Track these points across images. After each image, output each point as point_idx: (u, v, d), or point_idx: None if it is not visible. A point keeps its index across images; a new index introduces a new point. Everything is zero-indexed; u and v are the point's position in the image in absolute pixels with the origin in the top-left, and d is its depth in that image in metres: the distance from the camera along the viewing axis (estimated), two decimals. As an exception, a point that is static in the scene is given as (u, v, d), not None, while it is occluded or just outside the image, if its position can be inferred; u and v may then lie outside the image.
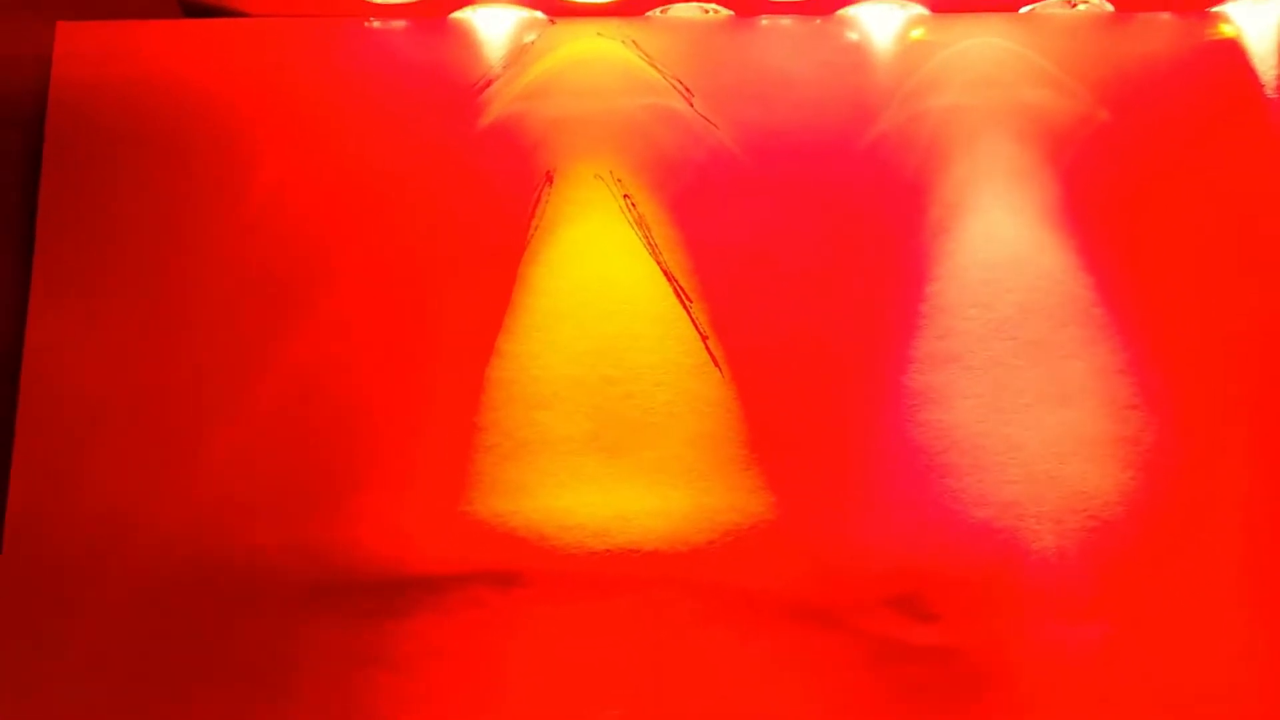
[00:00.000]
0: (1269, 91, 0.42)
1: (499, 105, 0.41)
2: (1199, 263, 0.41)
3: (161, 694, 0.36)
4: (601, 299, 0.40)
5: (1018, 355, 0.40)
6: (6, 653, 0.36)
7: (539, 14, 0.42)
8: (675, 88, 0.41)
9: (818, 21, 0.43)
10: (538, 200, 0.40)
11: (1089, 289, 0.40)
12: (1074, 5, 0.43)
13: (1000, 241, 0.41)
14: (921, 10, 0.43)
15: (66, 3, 0.40)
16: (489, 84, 0.41)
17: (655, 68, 0.42)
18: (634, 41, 0.42)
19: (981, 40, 0.43)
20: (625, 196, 0.40)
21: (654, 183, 0.41)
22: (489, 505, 0.38)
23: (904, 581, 0.37)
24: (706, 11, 0.42)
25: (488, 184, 0.41)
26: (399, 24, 0.42)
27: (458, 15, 0.42)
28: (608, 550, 0.38)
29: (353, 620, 0.37)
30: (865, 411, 0.39)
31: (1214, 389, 0.39)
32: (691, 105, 0.41)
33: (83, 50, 0.41)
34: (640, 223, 0.40)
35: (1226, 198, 0.41)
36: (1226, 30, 0.43)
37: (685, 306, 0.40)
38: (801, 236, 0.40)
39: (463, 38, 0.42)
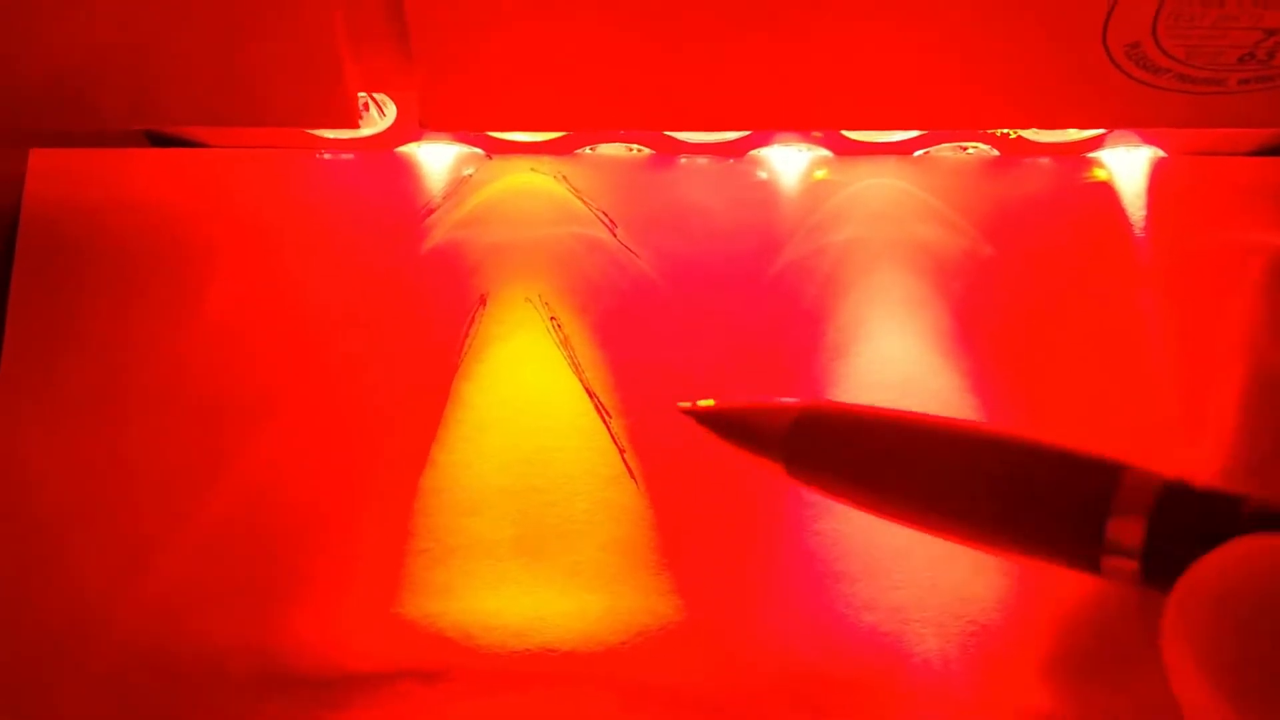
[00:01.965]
0: (1137, 230, 0.47)
1: (439, 233, 0.45)
2: (1072, 381, 0.44)
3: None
4: (527, 413, 0.43)
5: (907, 470, 0.43)
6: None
7: (478, 150, 0.46)
8: (600, 219, 0.45)
9: (731, 161, 0.47)
10: (471, 321, 0.44)
11: (974, 408, 0.44)
12: (964, 149, 0.48)
13: (892, 364, 0.44)
14: (825, 153, 0.47)
15: (44, 134, 0.44)
16: (430, 213, 0.45)
17: (582, 200, 0.45)
18: (564, 176, 0.45)
19: (879, 181, 0.47)
20: (552, 318, 0.44)
21: (579, 305, 0.44)
22: (419, 606, 0.41)
23: (800, 680, 0.40)
24: (631, 150, 0.46)
25: (427, 305, 0.44)
26: (348, 156, 0.45)
27: (402, 149, 0.46)
28: (527, 650, 0.40)
29: (293, 713, 0.39)
30: (767, 521, 0.42)
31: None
32: (615, 235, 0.45)
33: (54, 174, 0.44)
34: (565, 343, 0.43)
35: (1097, 323, 0.45)
36: (1100, 174, 0.48)
37: (605, 421, 0.43)
38: (713, 358, 0.44)
39: (407, 170, 0.45)
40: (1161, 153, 0.48)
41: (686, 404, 0.27)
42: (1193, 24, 0.34)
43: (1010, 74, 0.37)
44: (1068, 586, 0.41)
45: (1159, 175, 0.48)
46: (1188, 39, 0.35)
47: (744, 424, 0.25)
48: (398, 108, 0.42)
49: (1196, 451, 0.43)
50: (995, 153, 0.47)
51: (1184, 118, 0.39)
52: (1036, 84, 0.37)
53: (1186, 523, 0.18)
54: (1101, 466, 0.19)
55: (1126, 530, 0.18)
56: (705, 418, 0.26)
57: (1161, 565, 0.18)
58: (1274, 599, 0.15)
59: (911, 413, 0.23)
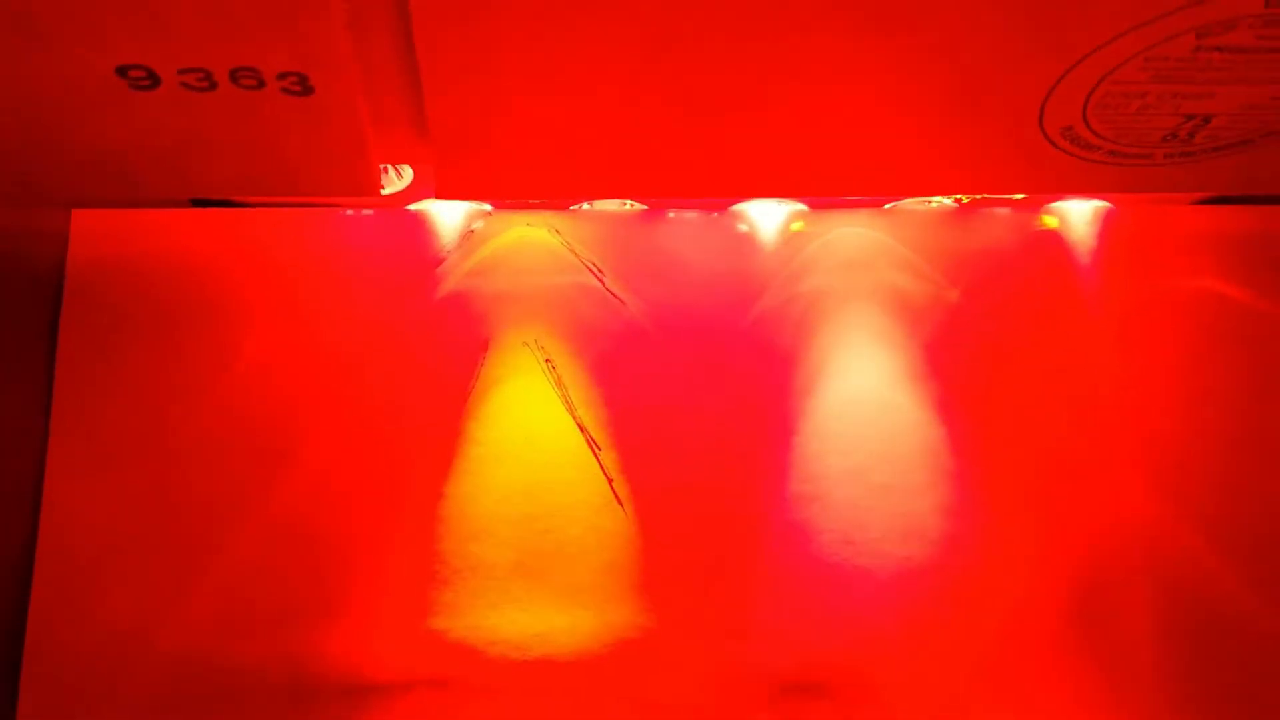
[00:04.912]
0: (1087, 274, 0.51)
1: (448, 283, 0.49)
2: (1028, 413, 0.49)
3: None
4: (525, 448, 0.47)
5: (869, 496, 0.48)
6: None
7: (485, 205, 0.50)
8: (589, 269, 0.49)
9: (714, 215, 0.51)
10: (476, 364, 0.48)
11: (936, 440, 0.48)
12: (928, 203, 0.52)
13: (858, 403, 0.49)
14: (801, 207, 0.51)
15: (90, 197, 0.48)
16: (439, 263, 0.49)
17: (572, 251, 0.50)
18: (556, 230, 0.50)
19: (850, 230, 0.51)
20: (546, 360, 0.48)
21: (571, 348, 0.48)
22: (430, 624, 0.45)
23: (775, 687, 0.45)
24: (624, 205, 0.51)
25: (438, 350, 0.48)
26: (368, 212, 0.50)
27: (416, 206, 0.50)
28: (526, 661, 0.45)
29: (321, 718, 0.44)
30: (744, 543, 0.46)
31: (1030, 524, 0.48)
32: (603, 284, 0.49)
33: (96, 232, 0.48)
34: (559, 383, 0.48)
35: (1051, 359, 0.49)
36: (1050, 222, 0.52)
37: (595, 454, 0.47)
38: (694, 396, 0.48)
39: (420, 225, 0.50)
40: (1108, 205, 0.52)
41: None
42: (1118, 112, 0.39)
43: (961, 151, 0.41)
44: (1006, 599, 0.46)
45: (1108, 223, 0.52)
46: (1115, 123, 0.39)
47: None
48: (414, 171, 0.46)
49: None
50: (955, 205, 0.51)
51: (1117, 186, 0.43)
52: (984, 159, 0.41)
53: None
54: None
55: None
56: None
57: None
58: None
59: None
